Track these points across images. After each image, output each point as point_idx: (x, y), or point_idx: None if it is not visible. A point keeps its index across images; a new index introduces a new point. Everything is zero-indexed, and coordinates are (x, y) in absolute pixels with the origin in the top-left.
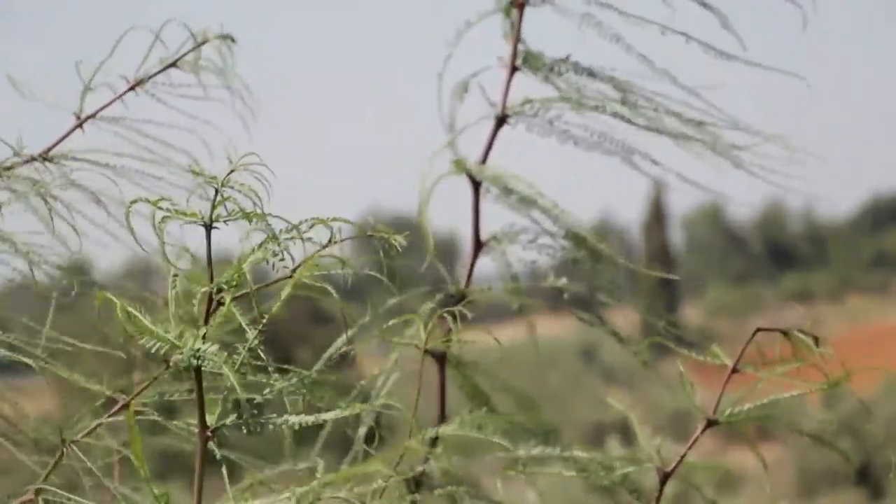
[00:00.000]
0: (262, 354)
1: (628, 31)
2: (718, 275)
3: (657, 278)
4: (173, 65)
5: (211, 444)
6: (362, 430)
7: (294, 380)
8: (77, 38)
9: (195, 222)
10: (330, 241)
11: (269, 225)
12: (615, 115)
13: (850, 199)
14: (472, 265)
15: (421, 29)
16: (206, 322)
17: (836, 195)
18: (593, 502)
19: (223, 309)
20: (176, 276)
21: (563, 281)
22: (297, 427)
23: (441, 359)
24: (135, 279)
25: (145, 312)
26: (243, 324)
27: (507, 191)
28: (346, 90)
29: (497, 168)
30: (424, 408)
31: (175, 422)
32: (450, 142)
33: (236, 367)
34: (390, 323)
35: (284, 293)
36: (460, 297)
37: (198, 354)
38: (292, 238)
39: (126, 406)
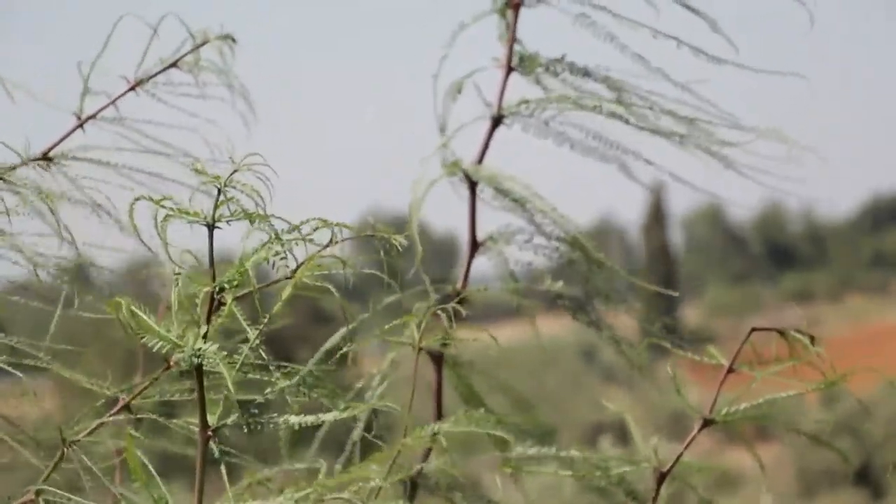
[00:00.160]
0: (262, 354)
1: (622, 33)
2: (718, 275)
3: (657, 278)
4: (174, 65)
5: (211, 444)
6: (357, 431)
7: (295, 379)
8: (77, 38)
9: (197, 222)
10: (331, 241)
11: (272, 225)
12: (611, 114)
13: (850, 199)
14: (469, 265)
15: (421, 29)
16: (208, 322)
17: (836, 195)
18: (590, 502)
19: (225, 309)
20: (178, 275)
21: (560, 284)
22: (296, 427)
23: (438, 359)
24: (136, 280)
25: (148, 312)
26: (244, 324)
27: (503, 192)
28: (346, 90)
29: (493, 168)
30: (422, 409)
31: (175, 420)
32: (443, 143)
33: (237, 366)
34: (392, 324)
35: (286, 293)
36: (457, 297)
37: (198, 353)
38: (294, 239)
39: (127, 406)
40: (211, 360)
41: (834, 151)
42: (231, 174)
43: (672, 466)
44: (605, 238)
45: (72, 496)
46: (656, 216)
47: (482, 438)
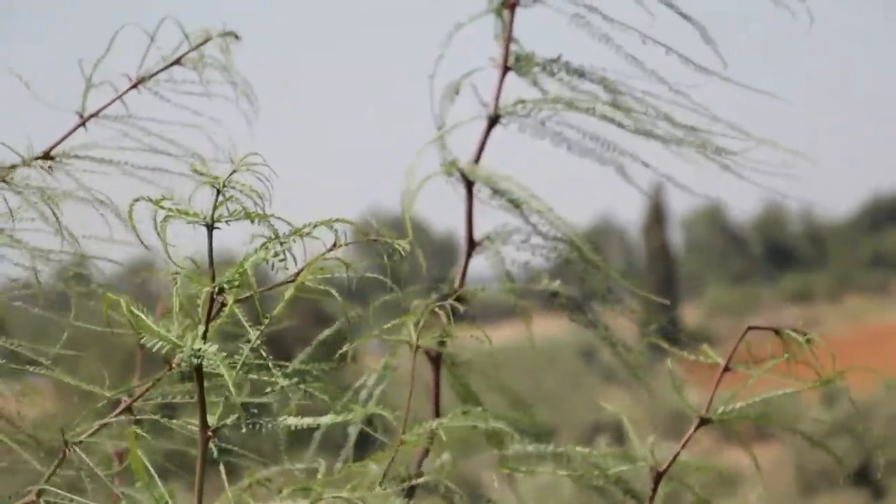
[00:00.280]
0: (263, 354)
1: (617, 35)
2: (718, 275)
3: (657, 278)
4: (177, 62)
5: (211, 444)
6: (354, 431)
7: (290, 369)
8: (77, 38)
9: (196, 222)
10: (335, 244)
11: (272, 225)
12: (606, 118)
13: (849, 200)
14: (466, 264)
15: (421, 29)
16: (208, 322)
17: (835, 195)
18: (587, 501)
19: (225, 309)
20: (176, 275)
21: (557, 284)
22: (294, 428)
23: (436, 359)
24: (136, 281)
25: (146, 313)
26: (244, 323)
27: (499, 192)
28: (346, 90)
29: (489, 168)
30: (420, 409)
31: (175, 420)
32: (438, 137)
33: (237, 367)
34: (391, 323)
35: (287, 295)
36: (454, 296)
37: (198, 354)
38: (295, 239)
39: (128, 408)
40: (211, 361)
41: (833, 151)
42: (230, 174)
43: (669, 465)
44: (604, 238)
45: (73, 497)
46: (656, 216)
47: (480, 438)
